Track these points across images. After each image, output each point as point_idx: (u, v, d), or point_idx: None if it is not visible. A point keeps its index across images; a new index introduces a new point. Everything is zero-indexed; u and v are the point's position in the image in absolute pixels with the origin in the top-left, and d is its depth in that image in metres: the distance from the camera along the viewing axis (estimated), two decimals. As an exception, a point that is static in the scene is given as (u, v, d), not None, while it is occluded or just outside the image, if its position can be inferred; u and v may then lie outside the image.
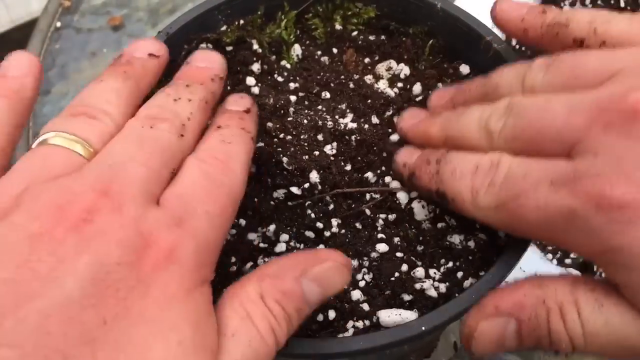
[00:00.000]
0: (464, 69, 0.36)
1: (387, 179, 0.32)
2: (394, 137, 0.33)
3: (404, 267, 0.30)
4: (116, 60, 0.30)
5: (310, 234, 0.30)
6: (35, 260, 0.20)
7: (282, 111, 0.34)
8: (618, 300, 0.23)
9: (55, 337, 0.19)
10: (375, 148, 0.33)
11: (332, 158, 0.32)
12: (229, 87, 0.36)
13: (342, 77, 0.36)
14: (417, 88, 0.35)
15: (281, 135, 0.33)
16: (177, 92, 0.28)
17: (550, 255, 0.52)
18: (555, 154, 0.24)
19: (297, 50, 0.37)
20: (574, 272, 0.51)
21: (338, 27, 0.38)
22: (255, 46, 0.37)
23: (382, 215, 0.31)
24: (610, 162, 0.21)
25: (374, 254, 0.30)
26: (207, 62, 0.31)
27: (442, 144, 0.29)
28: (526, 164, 0.24)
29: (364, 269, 0.30)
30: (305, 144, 0.33)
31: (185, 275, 0.22)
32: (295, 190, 0.31)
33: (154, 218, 0.22)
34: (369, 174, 0.32)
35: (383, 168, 0.32)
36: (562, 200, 0.23)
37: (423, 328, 0.27)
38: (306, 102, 0.35)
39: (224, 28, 0.37)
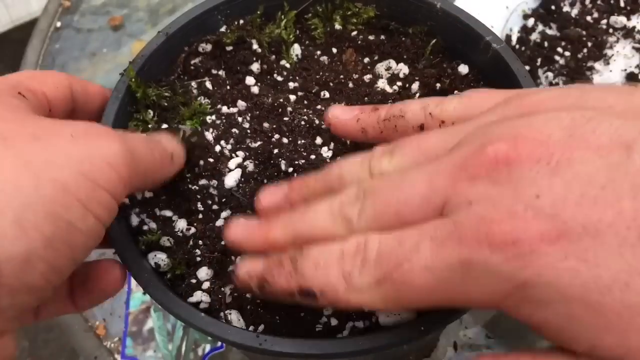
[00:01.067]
0: (463, 68, 0.36)
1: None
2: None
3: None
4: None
5: None
6: None
7: (279, 110, 0.34)
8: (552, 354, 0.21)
9: None
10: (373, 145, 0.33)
11: (328, 161, 0.32)
12: (228, 87, 0.36)
13: (342, 76, 0.36)
14: (415, 87, 0.35)
15: (277, 136, 0.33)
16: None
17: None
18: (427, 219, 0.23)
19: (296, 50, 0.37)
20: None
21: (338, 27, 0.38)
22: (255, 46, 0.37)
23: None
24: (487, 206, 0.21)
25: None
26: None
27: (289, 245, 0.26)
28: (398, 234, 0.23)
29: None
30: (302, 149, 0.33)
31: None
32: None
33: None
34: None
35: None
36: (452, 253, 0.21)
37: (422, 328, 0.27)
38: (305, 102, 0.35)
39: (223, 29, 0.37)
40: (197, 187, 0.32)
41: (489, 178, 0.21)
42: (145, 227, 0.31)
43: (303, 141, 0.33)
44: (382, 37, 0.38)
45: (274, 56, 0.37)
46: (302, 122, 0.34)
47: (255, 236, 0.28)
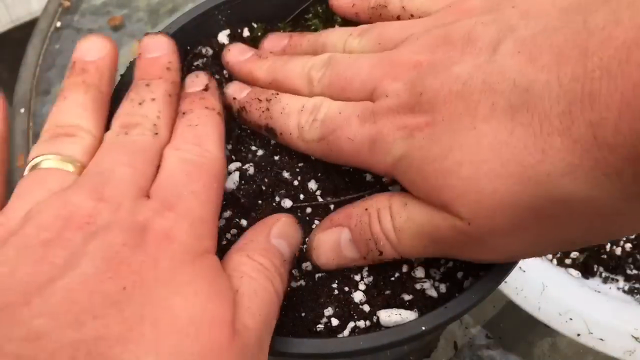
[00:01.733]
0: None
1: (385, 179, 0.32)
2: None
3: (404, 267, 0.30)
4: (71, 70, 0.31)
5: None
6: (51, 256, 0.22)
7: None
8: (418, 199, 0.27)
9: (82, 303, 0.21)
10: None
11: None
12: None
13: None
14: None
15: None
16: (140, 95, 0.30)
17: (550, 256, 0.52)
18: (362, 98, 0.29)
19: None
20: (574, 272, 0.51)
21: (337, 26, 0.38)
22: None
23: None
24: (394, 100, 0.27)
25: None
26: (157, 50, 0.32)
27: (267, 85, 0.33)
28: (341, 105, 0.29)
29: (364, 270, 0.30)
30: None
31: (187, 248, 0.24)
32: (289, 202, 0.31)
33: (147, 208, 0.25)
34: (367, 175, 0.32)
35: None
36: (368, 131, 0.27)
37: (423, 328, 0.27)
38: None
39: (226, 40, 0.37)
40: None
41: (403, 81, 0.27)
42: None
43: None
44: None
45: None
46: None
47: (244, 67, 0.34)
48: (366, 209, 0.28)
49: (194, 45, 0.37)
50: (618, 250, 0.51)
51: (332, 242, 0.29)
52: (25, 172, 0.27)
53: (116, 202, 0.24)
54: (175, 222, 0.25)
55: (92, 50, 0.31)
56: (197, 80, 0.32)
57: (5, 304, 0.21)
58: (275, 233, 0.28)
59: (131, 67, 0.35)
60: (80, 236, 0.23)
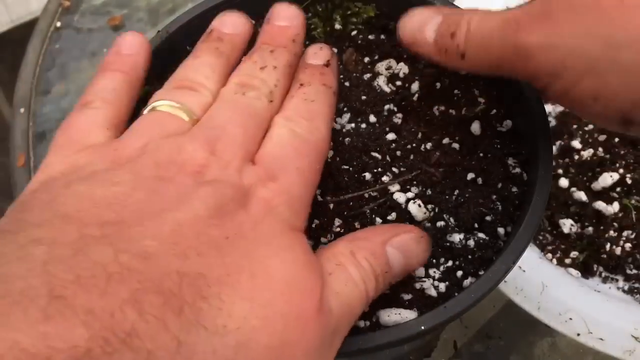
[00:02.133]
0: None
1: (385, 177, 0.32)
2: (391, 136, 0.33)
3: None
4: (207, 35, 0.32)
5: (311, 234, 0.30)
6: (164, 190, 0.23)
7: None
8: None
9: (189, 239, 0.22)
10: (371, 148, 0.33)
11: (329, 160, 0.32)
12: None
13: (341, 76, 0.36)
14: (415, 86, 0.35)
15: None
16: (263, 59, 0.30)
17: (550, 255, 0.52)
18: None
19: None
20: (574, 272, 0.51)
21: (337, 26, 0.38)
22: None
23: (382, 216, 0.31)
24: None
25: None
26: (287, 19, 0.32)
27: None
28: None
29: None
30: None
31: (284, 220, 0.25)
32: None
33: (253, 173, 0.26)
34: (367, 174, 0.32)
35: (379, 169, 0.32)
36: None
37: (422, 327, 0.27)
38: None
39: None
40: None
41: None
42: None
43: None
44: (382, 36, 0.38)
45: None
46: None
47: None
48: (465, 9, 0.30)
49: (194, 45, 0.37)
50: (618, 250, 0.51)
51: (424, 18, 0.31)
52: (145, 112, 0.29)
53: (226, 159, 0.26)
54: (277, 194, 0.25)
55: (231, 24, 0.33)
56: (320, 53, 0.32)
57: (120, 220, 0.22)
58: (396, 243, 0.27)
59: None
60: (192, 181, 0.24)
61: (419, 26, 0.31)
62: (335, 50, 0.38)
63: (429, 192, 0.32)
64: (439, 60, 0.31)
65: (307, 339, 0.22)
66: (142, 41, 0.32)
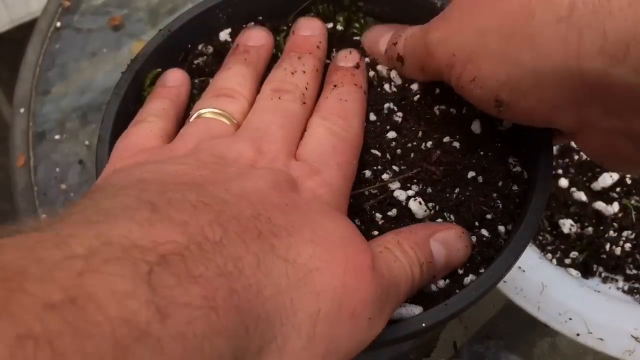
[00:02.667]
0: None
1: (385, 175, 0.32)
2: (391, 134, 0.33)
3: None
4: (234, 49, 0.36)
5: None
6: (225, 170, 0.26)
7: None
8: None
9: (255, 200, 0.24)
10: (371, 145, 0.33)
11: None
12: None
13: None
14: (415, 86, 0.35)
15: None
16: (292, 66, 0.33)
17: (550, 255, 0.52)
18: None
19: None
20: (574, 272, 0.51)
21: (339, 27, 0.38)
22: None
23: (382, 213, 0.31)
24: None
25: None
26: (310, 29, 0.35)
27: None
28: None
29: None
30: None
31: (329, 205, 0.27)
32: None
33: (298, 167, 0.28)
34: (367, 172, 0.32)
35: (379, 166, 0.32)
36: None
37: (423, 325, 0.27)
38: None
39: (228, 37, 0.37)
40: None
41: None
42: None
43: None
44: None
45: (273, 63, 0.37)
46: None
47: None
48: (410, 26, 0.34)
49: (195, 44, 0.37)
50: (618, 250, 0.51)
51: (379, 33, 0.36)
52: (191, 120, 0.31)
53: (272, 156, 0.28)
54: (320, 185, 0.28)
55: (254, 37, 0.36)
56: (350, 57, 0.35)
57: (194, 182, 0.24)
58: (439, 237, 0.29)
59: (131, 66, 0.35)
60: (248, 168, 0.27)
61: (375, 40, 0.36)
62: (335, 50, 0.38)
63: (429, 190, 0.32)
64: (390, 66, 0.35)
65: (363, 289, 0.24)
66: (184, 76, 0.36)
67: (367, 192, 0.31)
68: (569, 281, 0.48)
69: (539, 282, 0.47)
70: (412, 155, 0.33)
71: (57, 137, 0.64)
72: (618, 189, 0.54)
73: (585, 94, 0.26)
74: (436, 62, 0.30)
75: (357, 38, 0.38)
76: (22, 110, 0.66)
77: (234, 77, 0.33)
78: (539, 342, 0.52)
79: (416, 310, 0.28)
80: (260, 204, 0.24)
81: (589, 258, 0.52)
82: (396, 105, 0.35)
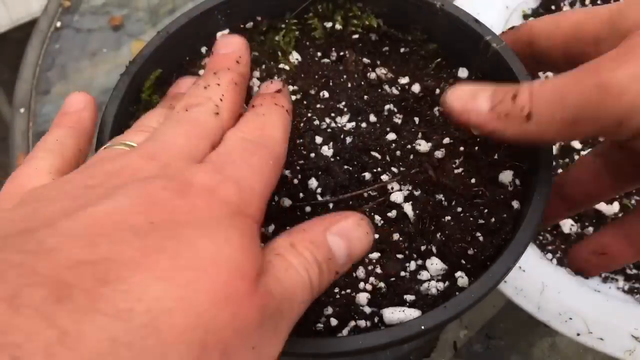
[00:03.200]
0: (462, 72, 0.36)
1: (384, 177, 0.32)
2: (391, 136, 0.33)
3: (405, 266, 0.30)
4: (165, 96, 0.33)
5: None
6: (89, 193, 0.23)
7: None
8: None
9: (104, 228, 0.21)
10: (371, 147, 0.33)
11: (331, 159, 0.32)
12: None
13: (344, 76, 0.36)
14: (416, 87, 0.35)
15: None
16: (206, 81, 0.31)
17: (550, 255, 0.52)
18: None
19: (295, 55, 0.37)
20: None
21: (338, 27, 0.38)
22: (256, 53, 0.37)
23: (382, 215, 0.31)
24: None
25: (374, 253, 0.30)
26: (228, 47, 0.33)
27: None
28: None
29: (365, 268, 0.30)
30: (302, 147, 0.33)
31: (230, 204, 0.24)
32: (288, 201, 0.31)
33: (198, 168, 0.25)
34: (366, 174, 0.32)
35: (379, 169, 0.32)
36: None
37: (422, 327, 0.27)
38: (305, 102, 0.35)
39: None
40: None
41: None
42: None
43: (301, 140, 0.33)
44: (383, 38, 0.38)
45: (272, 62, 0.37)
46: (302, 124, 0.34)
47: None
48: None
49: (194, 44, 0.37)
50: (618, 250, 0.51)
51: (474, 89, 0.30)
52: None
53: (165, 161, 0.25)
54: (223, 182, 0.24)
55: (184, 83, 0.35)
56: (271, 86, 0.32)
57: (26, 229, 0.21)
58: (336, 229, 0.27)
59: (130, 67, 0.35)
60: (121, 182, 0.24)
61: (471, 95, 0.29)
62: (335, 50, 0.38)
63: (429, 190, 0.32)
64: (496, 127, 0.28)
65: (240, 319, 0.21)
66: (86, 98, 0.33)
67: (366, 194, 0.31)
68: (569, 281, 0.48)
69: (539, 282, 0.47)
70: (411, 157, 0.33)
71: (57, 137, 0.64)
72: (618, 189, 0.54)
73: None
74: (627, 104, 0.25)
75: (357, 36, 0.38)
76: (22, 110, 0.66)
77: (154, 116, 0.31)
78: (539, 342, 0.52)
79: (415, 313, 0.28)
80: (108, 234, 0.21)
81: (589, 258, 0.52)
82: (396, 107, 0.35)
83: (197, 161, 0.26)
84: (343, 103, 0.35)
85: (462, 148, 0.33)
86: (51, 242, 0.20)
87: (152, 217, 0.22)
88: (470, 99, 0.29)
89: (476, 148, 0.33)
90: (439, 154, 0.33)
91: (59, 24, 0.72)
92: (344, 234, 0.27)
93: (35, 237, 0.20)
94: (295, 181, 0.32)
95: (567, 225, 0.52)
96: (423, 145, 0.33)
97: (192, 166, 0.25)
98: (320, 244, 0.26)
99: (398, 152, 0.33)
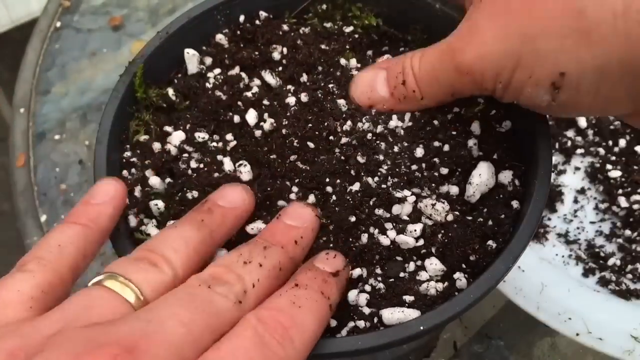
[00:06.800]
0: None
1: (389, 181, 0.32)
2: (390, 138, 0.33)
3: (405, 268, 0.30)
4: (200, 205, 0.30)
5: None
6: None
7: (279, 109, 0.34)
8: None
9: None
10: (377, 151, 0.33)
11: (335, 164, 0.32)
12: (230, 93, 0.35)
13: (338, 72, 0.36)
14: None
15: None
16: (251, 254, 0.27)
17: (550, 255, 0.52)
18: None
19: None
20: (573, 272, 0.51)
21: (337, 25, 0.38)
22: (256, 53, 0.37)
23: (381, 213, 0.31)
24: None
25: (375, 256, 0.30)
26: (298, 220, 0.29)
27: None
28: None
29: (367, 270, 0.30)
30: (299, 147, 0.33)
31: None
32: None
33: None
34: (369, 179, 0.32)
35: (383, 172, 0.32)
36: None
37: (422, 327, 0.27)
38: (306, 102, 0.35)
39: (225, 41, 0.37)
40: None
41: None
42: (142, 227, 0.32)
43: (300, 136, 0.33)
44: (382, 36, 0.38)
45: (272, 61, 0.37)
46: (302, 123, 0.34)
47: None
48: (403, 55, 0.33)
49: (193, 44, 0.37)
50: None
51: (370, 78, 0.33)
52: (90, 284, 0.25)
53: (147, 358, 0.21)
54: None
55: (229, 197, 0.30)
56: (332, 261, 0.28)
57: None
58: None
59: (129, 68, 0.35)
60: None
61: (370, 87, 0.33)
62: (335, 47, 0.38)
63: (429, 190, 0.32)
64: (401, 108, 0.33)
65: None
66: (116, 189, 0.30)
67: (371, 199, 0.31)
68: (568, 281, 0.48)
69: (538, 282, 0.47)
70: (406, 155, 0.33)
71: (57, 137, 0.64)
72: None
73: None
74: (476, 79, 0.30)
75: (357, 36, 0.38)
76: (22, 110, 0.66)
77: (173, 239, 0.27)
78: (539, 342, 0.52)
79: (414, 314, 0.28)
80: None
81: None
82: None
83: None
84: (342, 98, 0.35)
85: (461, 144, 0.33)
86: None
87: None
88: (371, 91, 0.33)
89: (476, 148, 0.33)
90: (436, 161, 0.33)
91: (59, 24, 0.72)
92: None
93: None
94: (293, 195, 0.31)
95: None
96: (418, 152, 0.33)
97: None
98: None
99: (396, 149, 0.33)
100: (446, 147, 0.33)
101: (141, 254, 0.26)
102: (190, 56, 0.36)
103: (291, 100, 0.34)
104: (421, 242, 0.30)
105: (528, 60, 0.28)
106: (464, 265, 0.30)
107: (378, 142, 0.33)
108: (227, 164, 0.32)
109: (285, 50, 0.37)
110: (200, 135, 0.34)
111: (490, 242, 0.30)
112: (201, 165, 0.33)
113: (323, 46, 0.37)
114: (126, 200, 0.30)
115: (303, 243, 0.29)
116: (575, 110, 0.30)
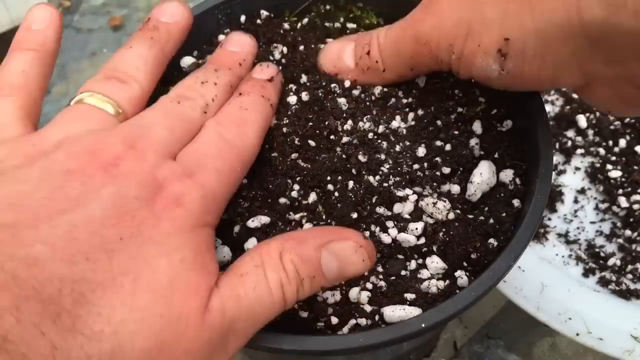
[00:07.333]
0: None
1: (391, 180, 0.32)
2: (391, 138, 0.33)
3: (406, 266, 0.30)
4: (144, 24, 0.33)
5: None
6: (69, 187, 0.24)
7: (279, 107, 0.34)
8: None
9: (80, 242, 0.22)
10: (379, 150, 0.33)
11: (337, 162, 0.32)
12: None
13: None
14: (421, 81, 0.35)
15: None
16: (205, 76, 0.31)
17: (550, 255, 0.52)
18: None
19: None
20: (573, 272, 0.51)
21: (338, 25, 0.38)
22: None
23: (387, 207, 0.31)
24: None
25: (377, 253, 0.30)
26: (238, 46, 0.34)
27: None
28: None
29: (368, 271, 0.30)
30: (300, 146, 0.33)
31: (191, 216, 0.25)
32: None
33: (169, 168, 0.26)
34: (370, 178, 0.32)
35: (385, 171, 0.32)
36: None
37: (423, 325, 0.27)
38: (306, 100, 0.35)
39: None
40: None
41: None
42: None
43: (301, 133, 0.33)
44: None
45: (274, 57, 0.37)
46: (302, 122, 0.34)
47: None
48: (374, 30, 0.34)
49: (193, 44, 0.37)
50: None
51: (339, 48, 0.34)
52: (71, 103, 0.29)
53: (143, 153, 0.26)
54: (190, 189, 0.26)
55: (169, 13, 0.33)
56: (266, 70, 0.33)
57: (16, 221, 0.22)
58: (333, 248, 0.26)
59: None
60: (100, 176, 0.24)
61: (337, 56, 0.34)
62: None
63: (429, 190, 0.32)
64: (364, 79, 0.34)
65: (188, 339, 0.23)
66: (52, 15, 0.32)
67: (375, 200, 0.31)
68: (568, 281, 0.48)
69: (538, 282, 0.47)
70: (408, 153, 0.33)
71: (57, 137, 0.64)
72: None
73: (587, 48, 0.26)
74: (433, 50, 0.30)
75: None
76: (22, 110, 0.66)
77: (132, 58, 0.31)
78: (539, 342, 0.52)
79: (415, 311, 0.28)
80: (84, 250, 0.22)
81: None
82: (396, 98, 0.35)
83: (172, 155, 0.27)
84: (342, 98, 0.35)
85: (457, 147, 0.33)
86: (37, 252, 0.21)
87: (122, 231, 0.23)
88: (337, 60, 0.34)
89: (479, 145, 0.33)
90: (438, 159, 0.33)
91: (59, 24, 0.72)
92: (339, 255, 0.26)
93: (22, 240, 0.22)
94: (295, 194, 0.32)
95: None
96: (420, 151, 0.33)
97: (165, 164, 0.26)
98: (309, 260, 0.26)
99: (397, 148, 0.33)
100: (448, 147, 0.33)
101: (108, 74, 0.30)
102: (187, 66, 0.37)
103: (292, 99, 0.34)
104: (422, 240, 0.30)
105: (477, 28, 0.28)
106: (465, 264, 0.30)
107: (379, 141, 0.33)
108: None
109: (285, 49, 0.37)
110: None
111: (491, 241, 0.30)
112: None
113: (324, 46, 0.37)
114: (62, 24, 0.33)
115: (246, 64, 0.34)
116: (526, 80, 0.29)
